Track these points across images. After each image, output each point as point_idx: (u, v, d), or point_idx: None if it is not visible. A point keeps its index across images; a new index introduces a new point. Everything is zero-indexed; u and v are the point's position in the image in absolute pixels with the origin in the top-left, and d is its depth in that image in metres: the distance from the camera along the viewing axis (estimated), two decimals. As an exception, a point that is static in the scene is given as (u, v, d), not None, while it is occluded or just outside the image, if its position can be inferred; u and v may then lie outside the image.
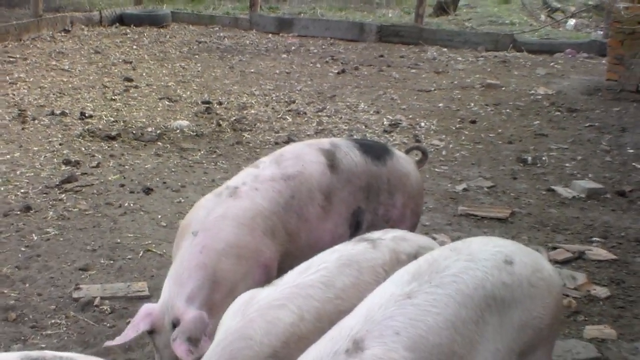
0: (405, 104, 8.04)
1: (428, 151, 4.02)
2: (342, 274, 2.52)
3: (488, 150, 6.54)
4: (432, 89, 8.76)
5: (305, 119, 7.32)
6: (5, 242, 4.41)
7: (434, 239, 4.59)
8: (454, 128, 7.19)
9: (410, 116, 7.53)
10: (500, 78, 9.34)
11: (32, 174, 5.55)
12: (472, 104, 8.08)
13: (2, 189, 5.22)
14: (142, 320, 2.74)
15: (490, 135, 6.99)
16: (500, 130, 7.13)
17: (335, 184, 3.14)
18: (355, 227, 3.20)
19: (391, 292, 2.27)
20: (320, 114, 7.49)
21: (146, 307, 2.80)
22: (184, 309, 2.70)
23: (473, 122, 7.39)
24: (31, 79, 8.31)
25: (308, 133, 6.83)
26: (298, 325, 2.39)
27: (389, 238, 2.68)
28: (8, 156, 5.88)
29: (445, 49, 11.15)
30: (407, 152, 3.73)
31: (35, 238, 4.49)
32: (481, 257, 2.37)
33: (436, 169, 6.03)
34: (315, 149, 3.21)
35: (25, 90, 7.84)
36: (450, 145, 6.65)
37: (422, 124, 7.24)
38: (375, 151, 3.33)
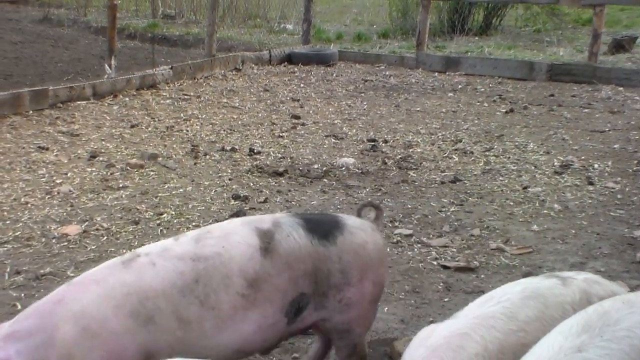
0: (577, 144, 7.72)
1: (382, 206, 3.52)
2: (526, 306, 2.39)
3: (669, 195, 6.15)
4: (607, 129, 8.37)
5: (472, 158, 7.16)
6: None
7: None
8: (630, 170, 6.81)
9: (583, 157, 7.21)
10: (681, 118, 8.82)
11: (203, 207, 5.71)
12: (651, 146, 7.66)
13: (175, 221, 5.40)
14: None
15: (672, 178, 6.58)
16: (682, 174, 6.70)
17: (269, 269, 2.76)
18: (295, 314, 2.86)
19: (560, 344, 2.12)
20: (487, 153, 7.31)
21: None
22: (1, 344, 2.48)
23: (652, 164, 6.99)
24: (204, 116, 8.62)
25: (475, 172, 6.68)
26: (483, 356, 2.29)
27: (581, 279, 2.54)
28: (181, 190, 6.09)
29: (621, 88, 10.65)
30: (360, 210, 3.29)
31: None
32: None
33: (611, 213, 5.71)
34: (250, 228, 2.83)
35: (198, 127, 8.13)
36: (627, 189, 6.29)
37: (596, 166, 6.91)
38: (323, 228, 2.94)
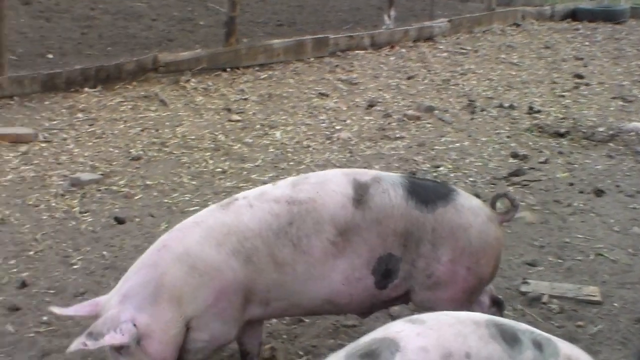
0: None
1: (518, 201, 3.03)
2: None
3: None
4: None
5: None
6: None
7: None
8: None
9: None
10: None
11: (480, 163, 5.57)
12: None
13: (452, 175, 5.31)
14: (86, 305, 2.69)
15: None
16: None
17: (358, 221, 2.72)
18: (384, 275, 2.77)
19: None
20: None
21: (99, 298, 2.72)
22: (114, 305, 2.57)
23: None
24: (480, 71, 8.41)
25: None
26: None
27: None
28: (457, 144, 5.98)
29: None
30: (494, 200, 2.99)
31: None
32: None
33: None
34: (348, 178, 2.80)
35: (475, 82, 7.95)
36: None
37: None
38: (426, 194, 2.79)
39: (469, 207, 2.83)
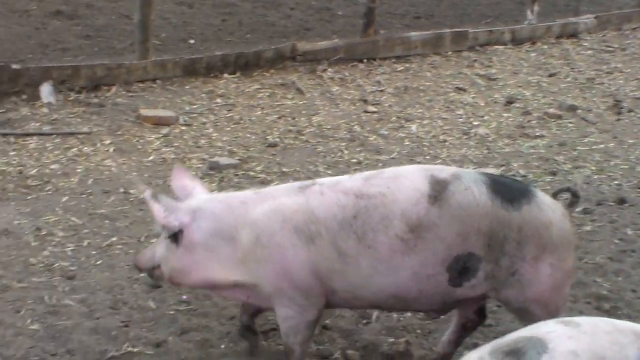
0: None
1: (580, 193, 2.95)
2: None
3: None
4: None
5: None
6: (598, 231, 4.28)
7: None
8: None
9: None
10: None
11: (627, 166, 5.35)
12: None
13: (595, 177, 5.11)
14: (187, 179, 3.02)
15: None
16: None
17: (434, 218, 2.67)
18: (460, 273, 2.71)
19: None
20: None
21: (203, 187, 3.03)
22: (191, 203, 2.83)
23: None
24: (628, 70, 8.03)
25: None
26: None
27: None
28: (602, 145, 5.75)
29: None
30: (555, 194, 2.95)
31: (630, 232, 4.28)
32: None
33: None
34: (425, 174, 2.77)
35: (622, 81, 7.61)
36: None
37: None
38: (510, 192, 2.75)
39: (548, 204, 2.81)
